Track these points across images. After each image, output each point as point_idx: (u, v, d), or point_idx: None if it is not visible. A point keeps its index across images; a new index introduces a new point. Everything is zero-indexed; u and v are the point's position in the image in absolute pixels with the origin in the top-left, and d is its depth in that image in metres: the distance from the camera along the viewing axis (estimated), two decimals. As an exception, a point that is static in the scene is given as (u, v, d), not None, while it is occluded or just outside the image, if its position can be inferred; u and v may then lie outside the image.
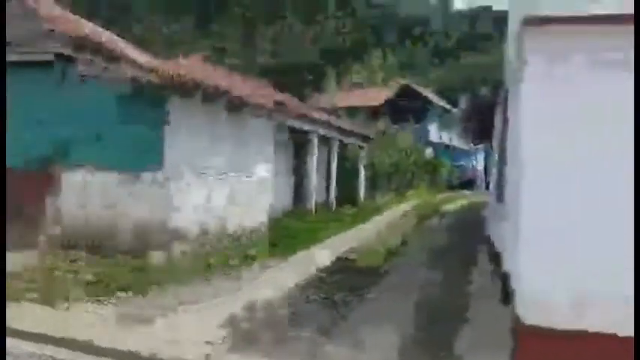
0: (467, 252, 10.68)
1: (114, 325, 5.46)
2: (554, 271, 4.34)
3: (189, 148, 8.30)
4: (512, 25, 8.00)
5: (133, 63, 7.10)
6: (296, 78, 52.56)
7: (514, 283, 5.14)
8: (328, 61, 78.34)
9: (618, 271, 4.11)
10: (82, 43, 7.03)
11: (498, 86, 8.87)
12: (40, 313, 5.70)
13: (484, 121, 12.22)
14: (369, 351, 5.16)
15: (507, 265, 6.50)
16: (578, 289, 4.30)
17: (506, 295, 6.52)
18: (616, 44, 4.22)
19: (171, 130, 7.95)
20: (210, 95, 8.22)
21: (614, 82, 4.23)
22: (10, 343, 4.67)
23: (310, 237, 11.66)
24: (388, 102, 36.45)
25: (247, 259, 8.79)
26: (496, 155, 9.92)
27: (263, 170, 10.51)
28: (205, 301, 6.55)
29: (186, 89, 7.46)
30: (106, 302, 6.15)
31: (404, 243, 12.34)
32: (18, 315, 5.41)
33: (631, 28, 4.08)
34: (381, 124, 28.75)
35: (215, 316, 5.92)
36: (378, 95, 38.83)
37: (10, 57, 7.21)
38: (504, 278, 6.67)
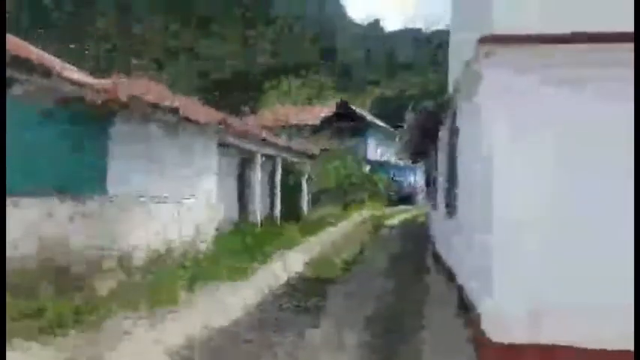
0: (416, 271, 10.77)
1: None
2: (520, 287, 4.46)
3: (133, 171, 7.96)
4: (455, 44, 8.32)
5: (76, 83, 6.71)
6: (230, 95, 52.49)
7: (476, 300, 5.23)
8: (265, 77, 78.66)
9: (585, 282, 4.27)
10: (18, 61, 6.55)
11: (443, 103, 9.11)
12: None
13: (425, 137, 12.53)
14: None
15: (462, 280, 6.64)
16: (536, 303, 4.44)
17: (463, 306, 6.65)
18: (565, 61, 4.45)
19: (115, 152, 7.61)
20: (157, 115, 7.93)
21: (564, 97, 4.44)
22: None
23: (261, 253, 11.50)
24: (326, 120, 36.83)
25: (196, 283, 8.47)
26: (439, 172, 10.16)
27: (208, 189, 10.24)
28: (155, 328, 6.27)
29: (134, 110, 7.14)
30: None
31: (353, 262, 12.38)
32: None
33: (579, 47, 4.31)
34: (320, 141, 28.93)
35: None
36: (315, 113, 39.21)
37: None
38: (459, 290, 6.79)
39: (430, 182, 14.22)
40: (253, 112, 42.83)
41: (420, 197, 37.95)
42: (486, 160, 4.74)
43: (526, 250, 4.49)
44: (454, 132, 7.47)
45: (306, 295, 8.42)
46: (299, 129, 32.83)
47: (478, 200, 5.15)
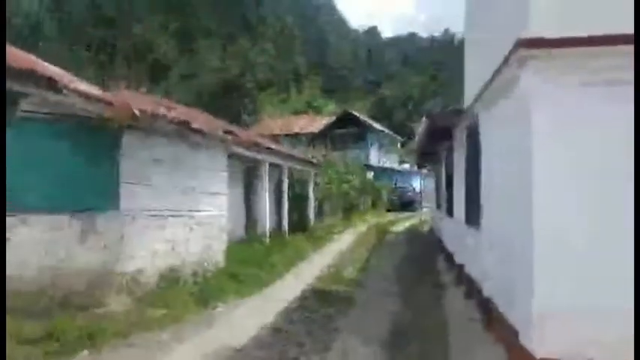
0: (433, 285, 10.47)
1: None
2: (564, 296, 4.22)
3: (145, 186, 7.73)
4: (473, 48, 8.12)
5: (86, 96, 6.47)
6: (227, 106, 52.36)
7: (510, 312, 4.99)
8: (261, 87, 78.77)
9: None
10: (27, 75, 6.32)
11: (458, 109, 8.91)
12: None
13: (436, 143, 12.33)
14: None
15: (490, 292, 6.39)
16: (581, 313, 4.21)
17: (489, 320, 6.41)
18: (608, 64, 4.24)
19: (126, 167, 7.38)
20: (167, 128, 7.70)
21: (607, 100, 4.23)
22: None
23: (275, 267, 11.27)
24: (328, 127, 36.69)
25: (213, 301, 8.22)
26: (456, 180, 9.93)
27: (219, 202, 10.00)
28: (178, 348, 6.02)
29: (146, 123, 6.90)
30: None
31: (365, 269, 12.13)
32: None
33: (623, 49, 4.10)
34: (323, 149, 28.75)
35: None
36: (316, 120, 39.06)
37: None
38: (486, 303, 6.55)
39: (440, 189, 13.98)
40: (252, 122, 42.76)
41: (422, 203, 37.81)
42: (524, 166, 4.52)
43: (570, 257, 4.26)
44: (475, 139, 7.25)
45: (321, 309, 8.15)
46: (300, 137, 32.71)
47: (514, 208, 4.92)
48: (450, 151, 10.57)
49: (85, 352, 5.74)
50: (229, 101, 65.04)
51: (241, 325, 7.12)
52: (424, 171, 33.47)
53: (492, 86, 5.57)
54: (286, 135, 32.26)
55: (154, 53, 78.87)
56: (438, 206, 14.81)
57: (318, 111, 64.41)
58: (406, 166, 46.62)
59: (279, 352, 6.01)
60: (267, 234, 14.19)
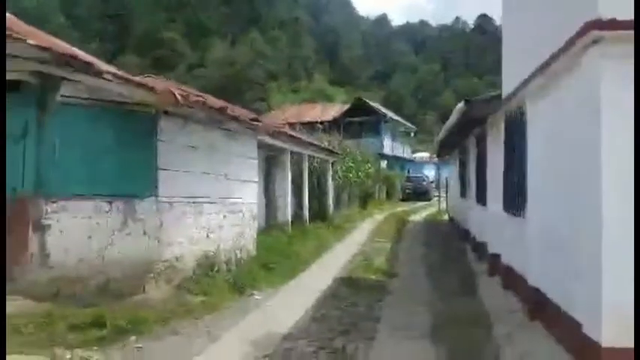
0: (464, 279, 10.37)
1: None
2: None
3: (182, 172, 7.67)
4: (514, 33, 7.95)
5: (128, 82, 6.38)
6: (237, 96, 52.24)
7: (576, 305, 4.86)
8: (270, 77, 78.50)
9: None
10: (66, 60, 6.22)
11: (493, 95, 8.76)
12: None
13: (466, 132, 12.18)
14: None
15: (540, 283, 6.27)
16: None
17: (535, 310, 6.31)
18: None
19: (163, 153, 7.31)
20: (205, 114, 7.61)
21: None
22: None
23: (304, 256, 11.24)
24: (342, 116, 36.50)
25: (247, 289, 8.19)
26: (490, 169, 9.80)
27: (251, 190, 9.95)
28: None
29: (185, 109, 6.81)
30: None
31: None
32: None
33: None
34: (336, 138, 28.58)
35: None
36: (330, 110, 38.87)
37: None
38: (532, 293, 6.44)
39: (467, 178, 13.83)
40: (262, 111, 42.59)
41: (435, 193, 37.64)
42: (590, 155, 4.39)
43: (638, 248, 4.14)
44: (519, 128, 7.12)
45: (357, 299, 8.09)
46: (313, 126, 32.50)
47: (575, 198, 4.80)
48: (482, 139, 10.43)
49: (133, 338, 5.71)
50: (238, 91, 65.04)
51: (281, 314, 7.08)
52: (436, 160, 33.31)
53: (548, 71, 5.42)
54: (299, 124, 32.02)
55: (162, 46, 78.98)
56: (463, 195, 14.67)
57: (330, 100, 64.12)
58: (419, 155, 46.45)
59: (325, 340, 5.95)
60: (290, 223, 14.13)
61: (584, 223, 4.56)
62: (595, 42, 4.27)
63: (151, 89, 6.28)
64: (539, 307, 6.18)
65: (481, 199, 10.83)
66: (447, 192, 24.75)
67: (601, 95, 4.19)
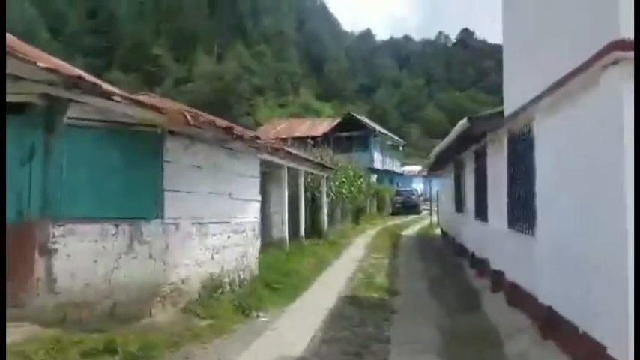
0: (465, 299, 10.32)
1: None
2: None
3: (187, 193, 7.59)
4: (516, 51, 8.06)
5: (137, 103, 6.32)
6: (226, 110, 52.08)
7: (597, 325, 4.85)
8: (257, 92, 78.48)
9: None
10: (74, 82, 6.15)
11: (489, 117, 8.85)
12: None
13: (464, 148, 12.26)
14: None
15: (554, 301, 6.27)
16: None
17: (548, 327, 6.31)
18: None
19: (169, 174, 7.25)
20: (211, 134, 7.57)
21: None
22: None
23: (305, 274, 11.15)
24: (332, 131, 36.59)
25: (253, 310, 8.09)
26: (491, 185, 9.84)
27: (253, 208, 9.88)
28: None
29: (193, 129, 6.75)
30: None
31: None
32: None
33: None
34: (326, 153, 28.62)
35: None
36: (320, 125, 38.96)
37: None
38: (544, 311, 6.44)
39: (462, 193, 13.90)
40: (250, 126, 42.54)
41: (424, 207, 37.80)
42: (611, 173, 4.42)
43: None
44: (526, 144, 7.19)
45: (364, 317, 8.04)
46: (302, 141, 32.53)
47: (594, 216, 4.83)
48: (482, 155, 10.50)
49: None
50: (225, 106, 64.86)
51: (290, 336, 6.99)
52: (424, 174, 33.49)
53: (562, 89, 5.49)
54: (291, 139, 32.06)
55: (149, 61, 78.82)
56: (459, 210, 14.72)
57: (317, 114, 64.38)
58: (407, 168, 46.64)
59: (340, 363, 5.89)
60: (287, 240, 14.05)
61: (606, 240, 4.58)
62: (615, 62, 4.33)
63: (160, 110, 6.22)
64: (552, 326, 6.18)
65: (480, 214, 10.87)
66: (437, 206, 24.86)
67: (623, 115, 4.23)
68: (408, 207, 36.50)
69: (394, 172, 43.84)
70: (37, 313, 6.19)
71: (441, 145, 12.82)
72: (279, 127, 39.54)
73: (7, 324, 5.86)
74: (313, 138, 32.51)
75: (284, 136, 32.68)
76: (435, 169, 19.25)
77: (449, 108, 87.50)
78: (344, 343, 6.66)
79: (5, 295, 4.57)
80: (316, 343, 6.65)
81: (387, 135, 42.82)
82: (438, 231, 22.79)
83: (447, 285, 10.82)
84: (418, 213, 36.13)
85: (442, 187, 21.75)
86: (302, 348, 6.39)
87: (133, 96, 6.60)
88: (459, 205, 14.68)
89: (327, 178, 19.36)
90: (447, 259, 14.71)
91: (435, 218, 25.96)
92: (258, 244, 10.08)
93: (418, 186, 43.48)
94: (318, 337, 6.93)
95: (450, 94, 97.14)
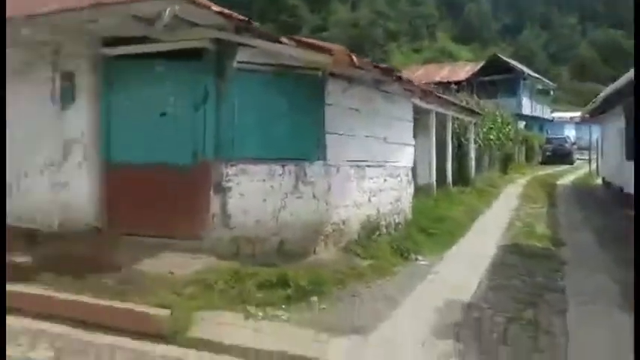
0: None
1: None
2: None
3: (346, 136, 7.60)
4: None
5: (306, 46, 6.32)
6: (364, 56, 51.56)
7: None
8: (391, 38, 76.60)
9: None
10: (245, 27, 6.30)
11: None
12: (233, 322, 5.11)
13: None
14: None
15: None
16: None
17: None
18: None
19: (330, 117, 7.27)
20: (373, 76, 7.41)
21: None
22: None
23: (458, 221, 10.84)
24: (475, 75, 34.63)
25: (411, 254, 8.02)
26: None
27: (408, 153, 9.69)
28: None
29: (358, 71, 6.64)
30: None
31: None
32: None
33: None
34: (470, 98, 27.18)
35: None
36: (461, 69, 37.08)
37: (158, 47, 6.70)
38: None
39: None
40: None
41: (577, 155, 34.75)
42: None
43: None
44: None
45: (532, 267, 7.58)
46: (444, 86, 31.23)
47: None
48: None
49: (314, 298, 5.77)
50: (361, 52, 64.38)
51: (453, 281, 6.81)
52: (577, 120, 30.51)
53: None
54: (433, 84, 30.94)
55: (285, 10, 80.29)
56: (630, 157, 13.13)
57: (454, 59, 61.25)
58: (557, 114, 42.95)
59: (514, 311, 5.58)
60: (435, 187, 13.69)
61: None
62: None
63: (328, 51, 6.16)
64: None
65: None
66: (597, 154, 22.58)
67: None
68: (559, 155, 33.63)
69: (544, 119, 40.58)
70: (213, 246, 6.64)
71: (619, 81, 11.38)
72: (417, 73, 38.26)
73: (187, 256, 6.48)
74: (456, 83, 30.99)
75: (424, 81, 31.63)
76: (597, 113, 17.36)
77: (603, 47, 78.16)
78: (513, 292, 6.33)
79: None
80: (483, 290, 6.40)
81: (537, 78, 39.42)
82: (599, 181, 20.79)
83: (618, 239, 9.82)
84: (571, 162, 33.24)
85: (605, 133, 19.63)
86: (469, 294, 6.19)
87: (300, 38, 6.61)
88: (632, 151, 13.08)
89: (474, 124, 18.39)
90: (614, 211, 13.35)
91: (593, 167, 23.69)
92: (412, 189, 9.92)
93: (570, 133, 39.88)
94: (484, 283, 6.67)
95: (605, 32, 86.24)
